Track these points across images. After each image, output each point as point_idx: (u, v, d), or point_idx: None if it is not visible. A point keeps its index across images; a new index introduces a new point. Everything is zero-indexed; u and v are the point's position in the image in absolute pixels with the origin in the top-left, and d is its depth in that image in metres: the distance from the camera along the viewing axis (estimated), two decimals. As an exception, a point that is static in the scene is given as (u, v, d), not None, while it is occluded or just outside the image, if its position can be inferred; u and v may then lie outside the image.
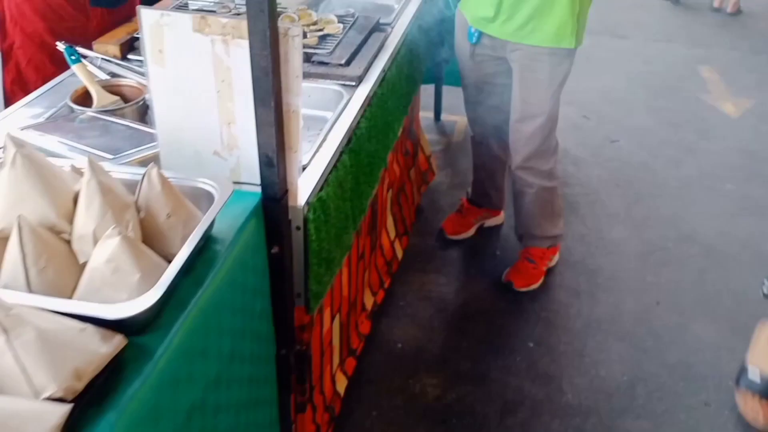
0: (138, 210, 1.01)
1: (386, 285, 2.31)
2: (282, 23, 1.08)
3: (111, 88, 1.65)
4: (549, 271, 2.55)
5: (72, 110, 1.55)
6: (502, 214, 2.82)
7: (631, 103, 3.93)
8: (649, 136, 3.58)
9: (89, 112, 1.49)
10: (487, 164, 2.62)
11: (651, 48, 4.71)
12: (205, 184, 1.11)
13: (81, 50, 1.77)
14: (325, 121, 1.66)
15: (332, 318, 1.73)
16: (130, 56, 1.86)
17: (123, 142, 1.32)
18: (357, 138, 1.58)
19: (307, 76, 1.73)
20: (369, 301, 2.17)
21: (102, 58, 1.79)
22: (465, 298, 2.48)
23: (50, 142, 1.30)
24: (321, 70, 1.75)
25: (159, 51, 1.12)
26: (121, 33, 1.90)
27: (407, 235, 2.58)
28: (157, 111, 1.18)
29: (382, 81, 1.82)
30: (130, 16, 1.98)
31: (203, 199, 1.12)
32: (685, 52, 4.59)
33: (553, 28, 2.10)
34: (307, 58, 1.80)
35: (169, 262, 0.95)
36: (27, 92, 1.81)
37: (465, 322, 2.37)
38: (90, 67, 1.71)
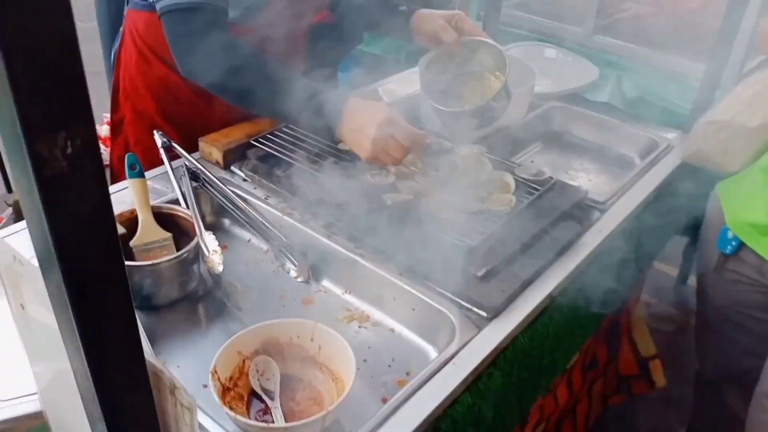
0: None
1: None
2: (163, 374, 0.50)
3: (168, 217, 1.23)
4: None
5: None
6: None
7: None
8: None
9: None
10: (715, 418, 1.72)
11: None
12: None
13: (178, 148, 1.39)
14: (424, 361, 1.05)
15: None
16: (234, 168, 1.43)
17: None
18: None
19: (421, 275, 1.13)
20: None
21: (189, 166, 1.37)
22: None
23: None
24: (442, 273, 1.11)
25: (21, 306, 0.62)
26: (238, 132, 1.48)
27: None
28: (41, 393, 0.69)
29: (544, 312, 1.13)
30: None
31: None
32: None
33: None
34: (437, 250, 1.16)
35: None
36: (132, 173, 1.49)
37: None
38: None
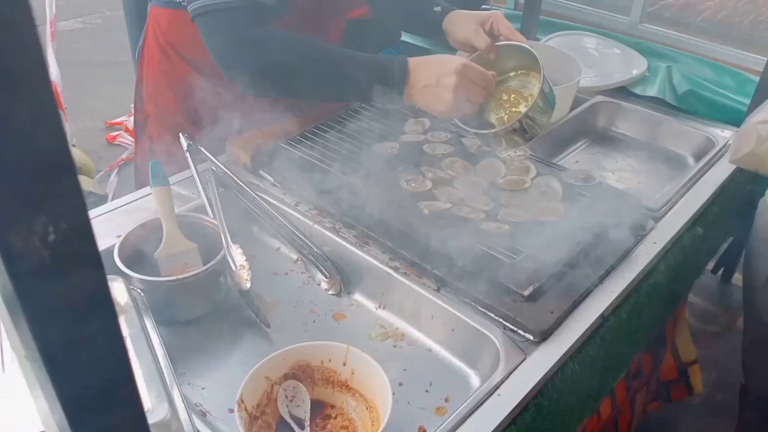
0: None
1: None
2: None
3: (193, 225, 1.17)
4: None
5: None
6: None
7: None
8: None
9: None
10: (765, 433, 1.62)
11: None
12: None
13: (205, 152, 1.33)
14: (464, 386, 0.98)
15: None
16: (262, 172, 1.36)
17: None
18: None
19: (461, 293, 1.05)
20: None
21: (216, 170, 1.30)
22: None
23: None
24: (484, 291, 1.03)
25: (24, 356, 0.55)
26: (268, 134, 1.40)
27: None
28: None
29: (595, 334, 1.04)
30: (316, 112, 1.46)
31: None
32: None
33: None
34: (478, 265, 1.08)
35: None
36: (156, 173, 1.43)
37: None
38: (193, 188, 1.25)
